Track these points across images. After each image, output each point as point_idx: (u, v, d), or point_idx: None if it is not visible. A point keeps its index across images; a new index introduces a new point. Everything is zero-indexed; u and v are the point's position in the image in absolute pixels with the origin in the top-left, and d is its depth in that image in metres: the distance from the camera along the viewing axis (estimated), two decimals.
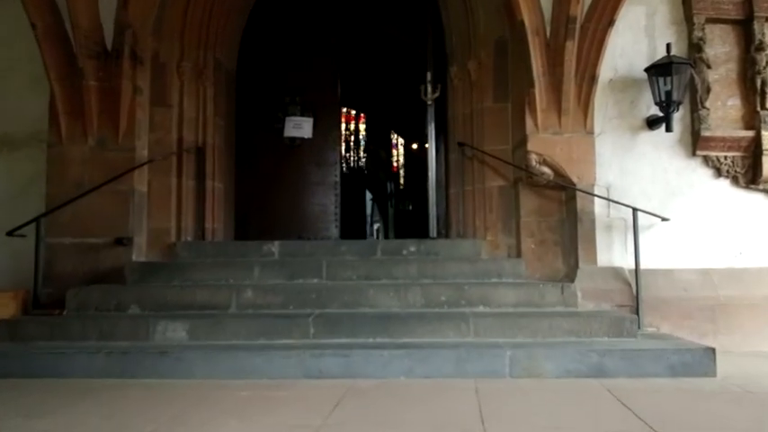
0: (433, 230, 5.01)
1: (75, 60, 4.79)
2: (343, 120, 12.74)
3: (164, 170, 5.17)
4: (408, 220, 17.99)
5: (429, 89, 4.98)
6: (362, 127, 17.85)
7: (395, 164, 19.70)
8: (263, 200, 6.10)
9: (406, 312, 4.08)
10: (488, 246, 5.00)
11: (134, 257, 4.90)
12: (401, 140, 19.42)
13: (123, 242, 4.82)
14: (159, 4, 5.11)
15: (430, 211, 4.99)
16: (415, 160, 18.95)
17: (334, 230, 6.13)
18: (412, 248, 4.96)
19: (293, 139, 6.18)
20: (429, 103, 4.98)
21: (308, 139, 6.17)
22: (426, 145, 5.32)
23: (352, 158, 16.75)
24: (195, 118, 5.40)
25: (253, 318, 4.01)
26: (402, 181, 19.27)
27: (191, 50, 5.37)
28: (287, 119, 6.17)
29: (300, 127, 6.16)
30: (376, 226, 17.10)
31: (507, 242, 5.00)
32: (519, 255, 4.83)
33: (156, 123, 5.20)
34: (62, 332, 3.94)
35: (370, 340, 3.78)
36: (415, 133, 17.44)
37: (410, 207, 17.53)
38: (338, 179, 6.20)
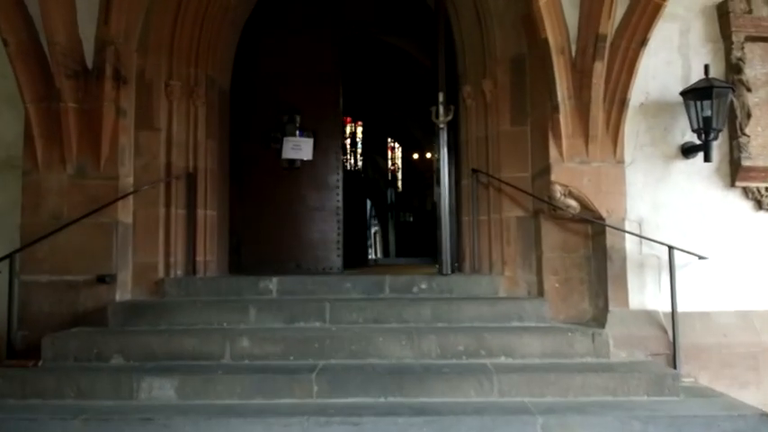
0: (446, 266, 4.63)
1: (53, 80, 4.40)
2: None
3: (150, 199, 4.78)
4: (410, 230, 17.68)
5: (441, 111, 4.61)
6: (359, 130, 17.55)
7: (391, 167, 19.43)
8: (259, 227, 5.72)
9: (421, 365, 3.70)
10: (506, 282, 4.64)
11: (118, 297, 4.51)
12: (398, 146, 19.17)
13: (106, 280, 4.43)
14: (144, 17, 4.74)
15: (443, 245, 4.61)
16: (415, 170, 18.71)
17: (336, 260, 5.75)
18: (423, 285, 4.59)
19: (292, 161, 5.80)
20: (441, 126, 4.61)
21: (308, 161, 5.79)
22: (437, 168, 4.95)
23: (350, 162, 16.39)
24: (185, 141, 5.02)
25: (249, 372, 3.62)
26: (400, 184, 18.99)
27: (180, 67, 4.99)
28: (285, 139, 5.80)
29: (299, 148, 5.79)
30: (374, 229, 16.70)
31: (527, 279, 4.63)
32: (540, 293, 4.47)
33: (142, 148, 4.81)
34: (35, 389, 3.55)
35: (382, 400, 3.40)
36: (413, 142, 17.18)
37: (411, 218, 17.20)
38: (340, 204, 5.82)
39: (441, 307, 4.22)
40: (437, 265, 6.01)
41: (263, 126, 5.85)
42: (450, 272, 4.63)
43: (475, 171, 4.86)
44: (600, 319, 4.20)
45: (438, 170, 4.82)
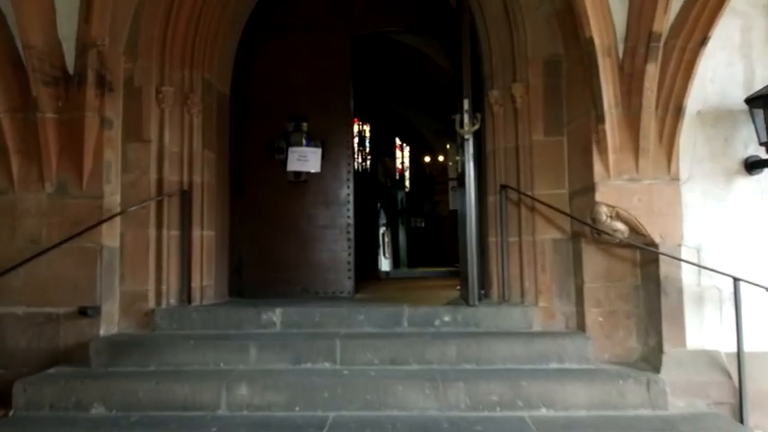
0: (473, 296, 4.13)
1: (30, 88, 3.97)
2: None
3: (140, 220, 4.33)
4: (422, 237, 17.22)
5: (466, 120, 4.11)
6: (367, 128, 17.11)
7: (399, 167, 19.00)
8: (262, 247, 5.25)
9: (448, 418, 3.21)
10: (541, 314, 4.14)
11: (102, 331, 4.07)
12: (407, 147, 18.73)
13: (88, 313, 3.99)
14: (133, 16, 4.29)
15: (469, 271, 4.11)
16: (424, 172, 18.25)
17: (347, 283, 5.26)
18: (446, 318, 4.11)
19: (298, 173, 5.33)
20: (466, 137, 4.12)
21: (316, 173, 5.32)
22: (463, 181, 4.46)
23: (358, 162, 15.94)
24: (179, 153, 4.56)
25: (247, 427, 3.15)
26: (408, 184, 18.54)
27: (173, 71, 4.54)
28: (290, 149, 5.33)
29: (306, 159, 5.32)
30: (382, 230, 16.16)
31: (564, 310, 4.13)
32: (581, 328, 3.98)
33: (131, 162, 4.36)
34: None
35: None
36: (422, 143, 16.68)
37: (422, 224, 16.73)
38: (351, 220, 5.34)
39: (468, 345, 3.73)
40: (458, 288, 5.56)
41: (267, 135, 5.38)
42: (476, 302, 4.12)
43: (504, 187, 4.36)
44: (651, 360, 3.70)
45: (463, 184, 4.31)
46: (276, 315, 4.16)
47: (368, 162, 15.90)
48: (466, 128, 4.13)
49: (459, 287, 5.70)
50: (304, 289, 5.22)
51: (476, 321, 4.08)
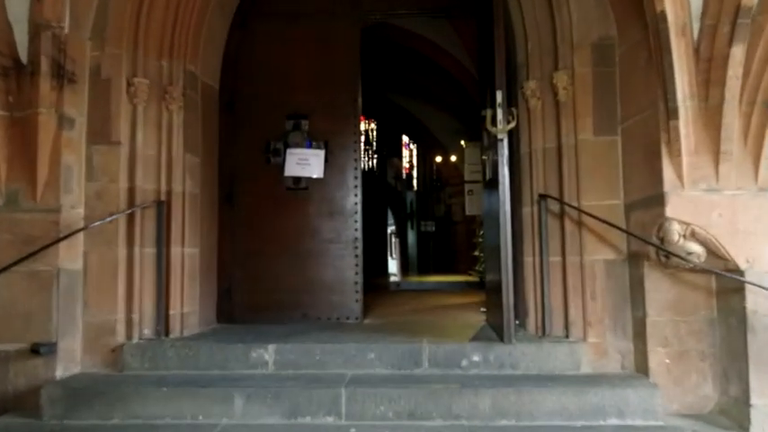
0: (509, 333, 3.42)
1: None
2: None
3: (107, 237, 3.68)
4: (432, 242, 16.53)
5: (500, 116, 3.43)
6: (373, 126, 16.48)
7: (406, 166, 18.34)
8: (256, 265, 4.58)
9: None
10: (591, 352, 3.46)
11: (59, 372, 3.44)
12: (414, 145, 18.08)
13: (40, 351, 3.34)
14: None
15: (504, 301, 3.42)
16: (432, 172, 17.56)
17: (354, 306, 4.58)
18: (475, 357, 3.43)
19: (298, 179, 4.66)
20: (500, 137, 3.44)
21: (318, 179, 4.65)
22: (498, 184, 3.79)
23: (364, 161, 15.29)
24: (156, 157, 3.92)
25: None
26: (415, 184, 17.89)
27: (149, 61, 3.90)
28: (288, 152, 4.66)
29: (307, 162, 4.65)
30: (390, 229, 15.50)
31: (619, 347, 3.45)
32: (641, 369, 3.30)
33: (97, 168, 3.73)
34: None
35: None
36: (431, 142, 15.96)
37: (433, 228, 16.05)
38: (359, 234, 4.66)
39: (505, 395, 3.04)
40: (483, 309, 4.88)
41: (262, 135, 4.71)
42: (512, 339, 3.43)
43: (543, 196, 3.68)
44: (733, 414, 3.00)
45: (494, 192, 3.64)
46: (269, 353, 3.50)
47: (374, 162, 15.25)
48: (500, 125, 3.44)
49: (483, 309, 5.03)
50: (304, 314, 4.54)
51: (512, 362, 3.39)
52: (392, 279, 10.59)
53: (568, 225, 3.62)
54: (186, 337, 3.89)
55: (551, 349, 3.43)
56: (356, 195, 4.69)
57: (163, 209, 3.83)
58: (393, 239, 13.36)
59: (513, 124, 3.49)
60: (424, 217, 17.27)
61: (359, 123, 4.75)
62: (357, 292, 4.62)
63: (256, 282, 4.60)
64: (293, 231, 4.65)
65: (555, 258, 3.69)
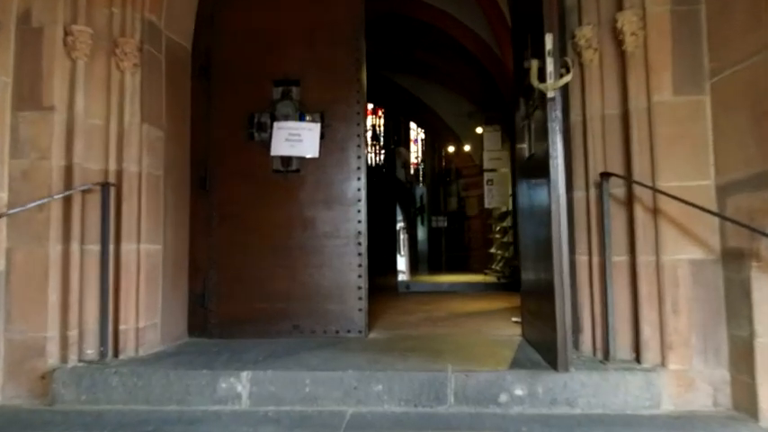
0: (564, 358, 2.58)
1: None
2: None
3: (36, 229, 2.88)
4: (444, 237, 15.64)
5: (550, 67, 2.59)
6: (380, 113, 15.63)
7: (415, 159, 17.47)
8: (237, 265, 3.76)
9: None
10: (674, 382, 2.61)
11: None
12: (423, 134, 17.21)
13: None
14: None
15: (558, 314, 2.57)
16: (442, 163, 16.67)
17: (357, 317, 3.75)
18: (518, 392, 2.59)
19: (288, 159, 3.83)
20: (551, 95, 2.60)
21: (312, 159, 3.81)
22: (546, 164, 2.99)
23: (370, 155, 14.43)
24: (103, 128, 3.11)
25: None
26: (422, 177, 17.04)
27: (94, 6, 3.10)
28: (276, 126, 3.83)
29: (299, 139, 3.81)
30: (399, 225, 14.58)
31: (711, 377, 2.60)
32: (745, 407, 2.45)
33: (24, 141, 2.92)
34: None
35: None
36: (442, 130, 15.05)
37: (444, 224, 15.16)
38: (363, 227, 3.83)
39: None
40: (514, 320, 4.05)
41: (244, 106, 3.88)
42: (569, 367, 2.59)
43: (606, 175, 2.83)
44: None
45: (540, 173, 2.82)
46: (242, 383, 2.67)
47: (382, 157, 14.36)
48: (550, 80, 2.59)
49: (515, 318, 4.20)
50: (295, 326, 3.71)
51: (568, 398, 2.55)
52: (401, 278, 9.74)
53: (639, 213, 2.77)
54: (140, 359, 3.07)
55: (620, 380, 2.58)
56: (359, 179, 3.85)
57: (108, 193, 3.00)
58: (402, 236, 12.52)
59: (568, 77, 2.64)
60: (435, 212, 16.38)
61: (363, 89, 3.89)
62: (360, 299, 3.78)
63: (236, 286, 3.77)
64: (282, 224, 3.82)
65: (620, 258, 2.84)
